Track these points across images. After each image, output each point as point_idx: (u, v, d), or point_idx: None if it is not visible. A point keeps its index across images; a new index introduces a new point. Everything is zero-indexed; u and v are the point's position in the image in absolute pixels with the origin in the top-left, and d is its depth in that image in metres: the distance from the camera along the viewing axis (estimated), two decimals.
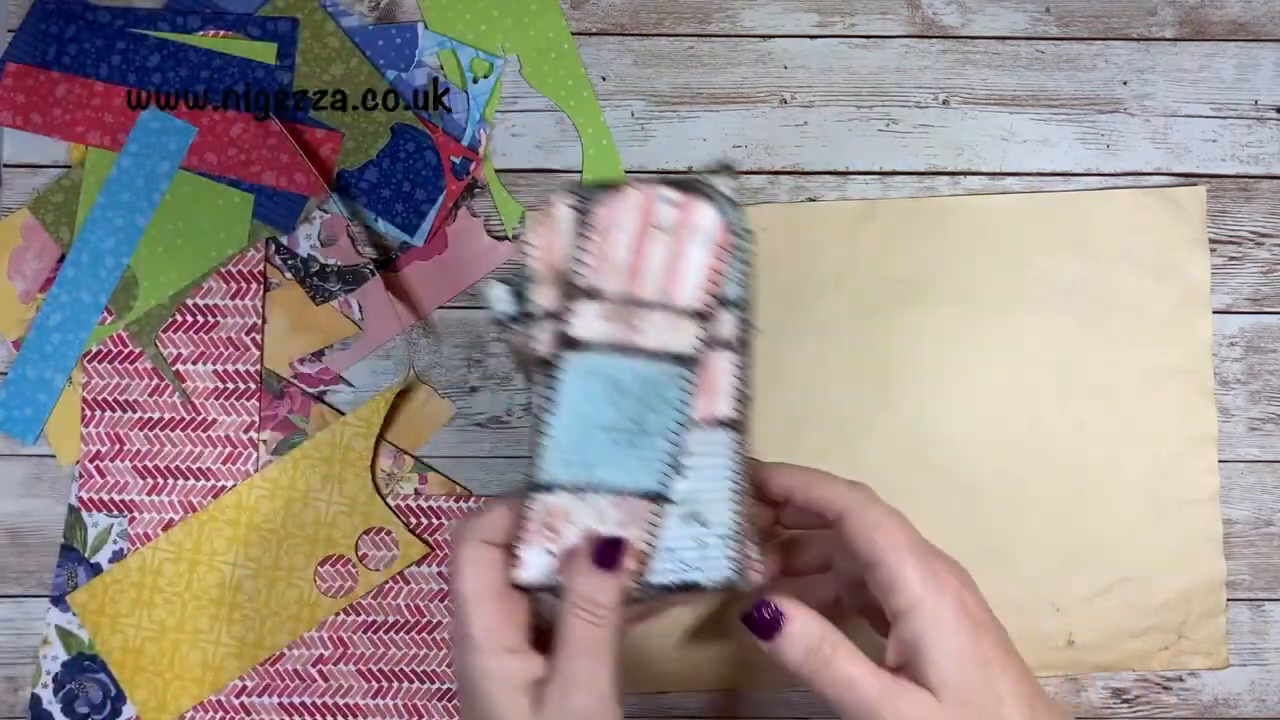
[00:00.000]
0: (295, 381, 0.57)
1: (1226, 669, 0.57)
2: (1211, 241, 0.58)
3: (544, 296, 0.40)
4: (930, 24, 0.59)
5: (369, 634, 0.56)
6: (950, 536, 0.43)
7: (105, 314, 0.57)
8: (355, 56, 0.58)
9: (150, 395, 0.57)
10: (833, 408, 0.57)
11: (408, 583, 0.56)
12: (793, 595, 0.42)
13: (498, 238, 0.58)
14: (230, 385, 0.57)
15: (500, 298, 0.40)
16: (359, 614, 0.56)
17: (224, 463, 0.57)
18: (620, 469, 0.41)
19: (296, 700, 0.56)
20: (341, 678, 0.56)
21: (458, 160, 0.58)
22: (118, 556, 0.57)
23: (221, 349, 0.57)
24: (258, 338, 0.57)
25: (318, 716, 0.56)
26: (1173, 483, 0.57)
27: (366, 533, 0.57)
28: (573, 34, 0.59)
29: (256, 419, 0.57)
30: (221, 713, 0.56)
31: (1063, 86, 0.59)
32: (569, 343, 0.40)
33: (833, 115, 0.59)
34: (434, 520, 0.57)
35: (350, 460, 0.57)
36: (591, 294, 0.39)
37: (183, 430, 0.57)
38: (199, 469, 0.57)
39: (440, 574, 0.56)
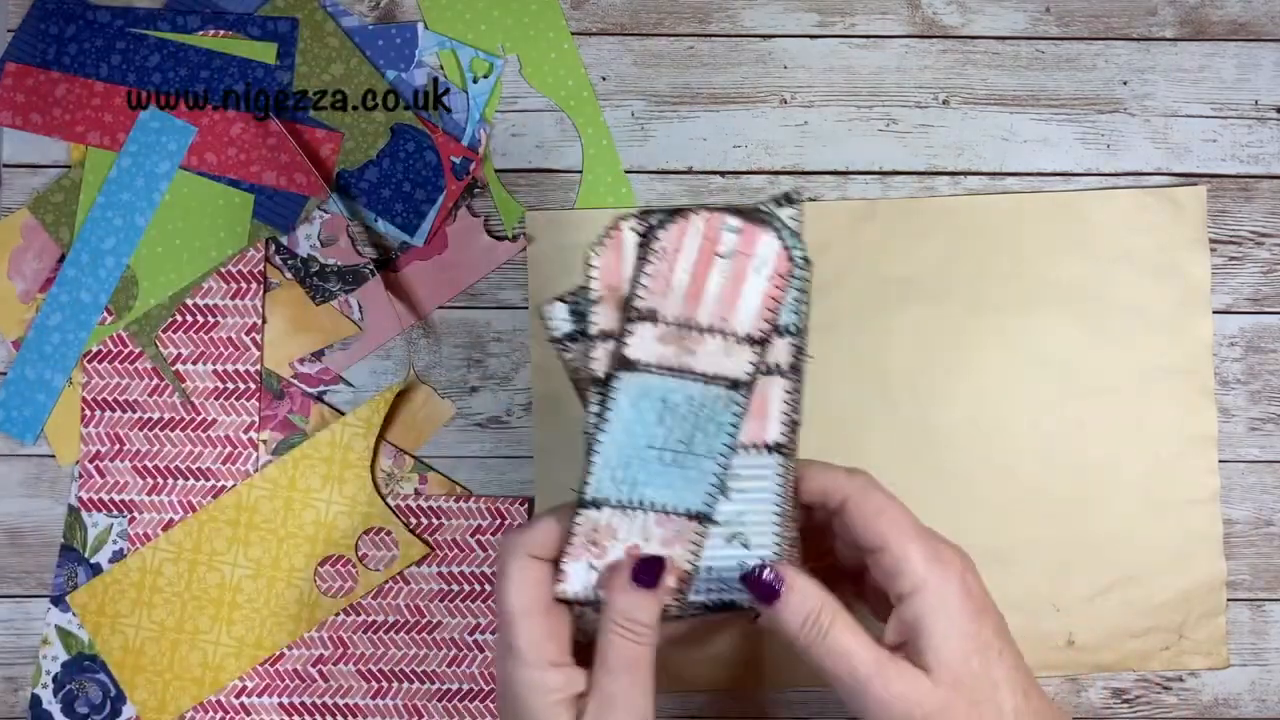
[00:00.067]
0: (295, 381, 0.57)
1: (1227, 669, 0.57)
2: (1211, 241, 0.58)
3: (603, 317, 0.40)
4: (930, 24, 0.59)
5: (369, 634, 0.56)
6: (950, 536, 0.43)
7: (105, 314, 0.57)
8: (355, 56, 0.58)
9: (150, 395, 0.57)
10: (833, 408, 0.57)
11: (408, 583, 0.56)
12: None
13: (498, 238, 0.58)
14: (230, 385, 0.57)
15: (559, 317, 0.41)
16: (359, 614, 0.56)
17: (224, 463, 0.57)
18: (667, 488, 0.41)
19: (296, 700, 0.56)
20: (341, 678, 0.56)
21: (458, 160, 0.58)
22: (118, 556, 0.57)
23: (221, 349, 0.57)
24: (258, 338, 0.57)
25: (318, 716, 0.56)
26: (1173, 483, 0.57)
27: (366, 533, 0.57)
28: (573, 34, 0.59)
29: (256, 419, 0.57)
30: (221, 713, 0.56)
31: (1063, 86, 0.59)
32: (624, 363, 0.40)
33: (833, 115, 0.59)
34: (434, 520, 0.57)
35: (350, 460, 0.57)
36: (649, 316, 0.40)
37: (183, 430, 0.57)
38: (199, 469, 0.57)
39: (440, 574, 0.56)
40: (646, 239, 0.40)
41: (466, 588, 0.56)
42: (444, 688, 0.56)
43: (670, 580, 0.41)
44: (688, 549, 0.42)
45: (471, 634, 0.56)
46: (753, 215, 0.40)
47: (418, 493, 0.57)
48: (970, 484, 0.56)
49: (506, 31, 0.59)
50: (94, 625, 0.56)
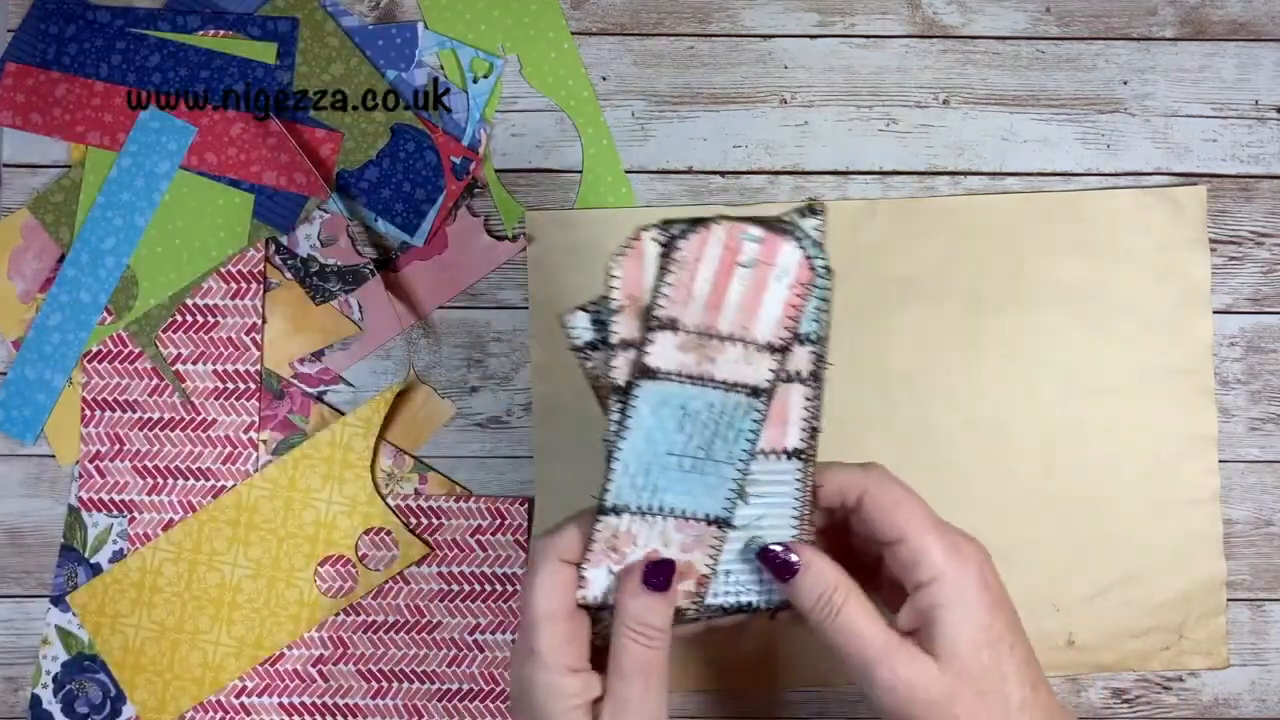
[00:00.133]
0: (295, 381, 0.57)
1: (1227, 669, 0.57)
2: (1211, 241, 0.58)
3: (623, 326, 0.40)
4: (930, 24, 0.59)
5: (369, 634, 0.56)
6: None
7: (105, 314, 0.57)
8: (355, 56, 0.58)
9: (150, 395, 0.57)
10: (833, 408, 0.56)
11: (408, 583, 0.56)
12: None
13: (498, 237, 0.58)
14: (230, 385, 0.57)
15: (580, 326, 0.41)
16: (359, 614, 0.56)
17: (224, 463, 0.57)
18: (687, 494, 0.41)
19: (296, 700, 0.56)
20: (341, 678, 0.56)
21: (458, 160, 0.58)
22: (118, 556, 0.57)
23: (221, 349, 0.57)
24: (258, 338, 0.57)
25: (318, 716, 0.56)
26: (1173, 483, 0.57)
27: (366, 533, 0.57)
28: (573, 34, 0.59)
29: (256, 419, 0.57)
30: (221, 713, 0.56)
31: (1063, 86, 0.59)
32: (645, 371, 0.40)
33: (833, 115, 0.59)
34: (434, 520, 0.57)
35: (350, 460, 0.57)
36: (670, 325, 0.40)
37: (183, 430, 0.57)
38: (199, 469, 0.57)
39: (440, 574, 0.56)
40: (668, 249, 0.40)
41: (466, 588, 0.56)
42: (444, 688, 0.56)
43: (689, 584, 0.42)
44: (706, 553, 0.42)
45: (471, 634, 0.56)
46: (774, 225, 0.40)
47: (418, 493, 0.57)
48: (970, 484, 0.56)
49: (506, 31, 0.59)
50: (94, 625, 0.56)
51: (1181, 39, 0.59)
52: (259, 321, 0.57)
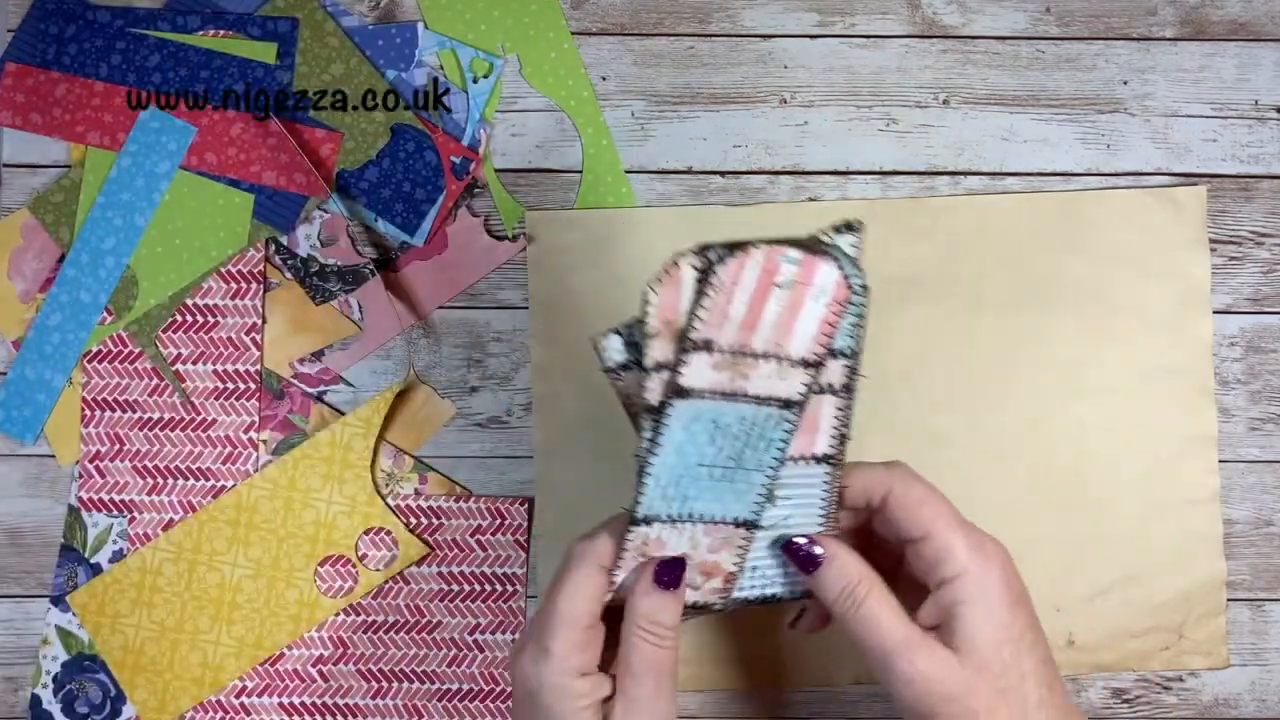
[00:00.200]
0: (295, 381, 0.57)
1: (1227, 669, 0.57)
2: (1211, 241, 0.58)
3: (658, 350, 0.40)
4: (930, 24, 0.59)
5: (369, 634, 0.56)
6: None
7: (105, 314, 0.57)
8: (355, 56, 0.58)
9: (150, 395, 0.57)
10: None
11: (408, 583, 0.56)
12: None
13: (498, 237, 0.58)
14: (230, 385, 0.57)
15: (613, 349, 0.41)
16: (359, 614, 0.56)
17: (224, 463, 0.57)
18: (716, 501, 0.42)
19: (296, 700, 0.56)
20: (341, 678, 0.56)
21: (458, 160, 0.58)
22: (117, 556, 0.57)
23: (221, 349, 0.57)
24: (258, 338, 0.57)
25: (318, 716, 0.56)
26: (1173, 483, 0.57)
27: (366, 533, 0.57)
28: (573, 34, 0.59)
29: (256, 419, 0.57)
30: (221, 713, 0.56)
31: (1063, 86, 0.59)
32: (679, 391, 0.40)
33: (833, 115, 0.59)
34: (434, 520, 0.57)
35: (350, 460, 0.57)
36: (705, 346, 0.40)
37: (183, 430, 0.57)
38: (199, 469, 0.57)
39: (440, 574, 0.56)
40: (705, 274, 0.39)
41: (466, 588, 0.56)
42: (444, 688, 0.56)
43: (716, 582, 0.42)
44: (734, 553, 0.42)
45: (471, 634, 0.56)
46: (813, 246, 0.40)
47: (418, 493, 0.57)
48: (970, 484, 0.56)
49: (506, 31, 0.59)
50: (94, 625, 0.56)
51: (1181, 39, 0.59)
52: (259, 321, 0.57)
